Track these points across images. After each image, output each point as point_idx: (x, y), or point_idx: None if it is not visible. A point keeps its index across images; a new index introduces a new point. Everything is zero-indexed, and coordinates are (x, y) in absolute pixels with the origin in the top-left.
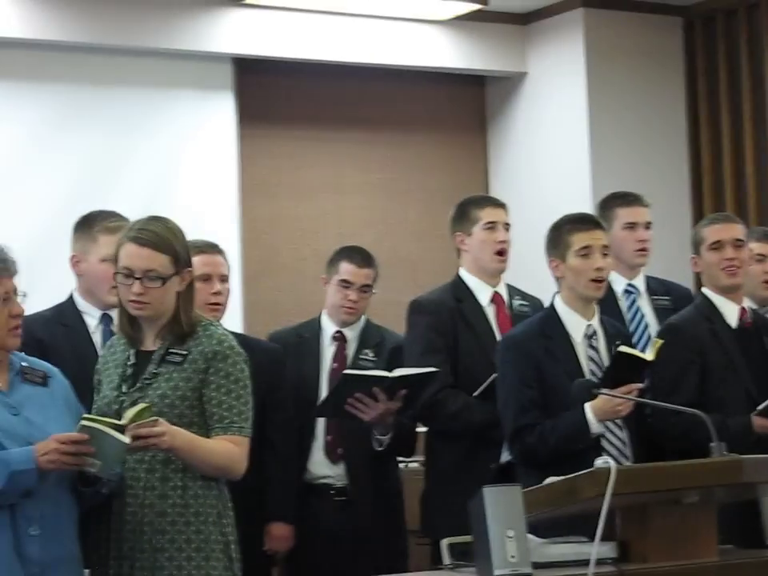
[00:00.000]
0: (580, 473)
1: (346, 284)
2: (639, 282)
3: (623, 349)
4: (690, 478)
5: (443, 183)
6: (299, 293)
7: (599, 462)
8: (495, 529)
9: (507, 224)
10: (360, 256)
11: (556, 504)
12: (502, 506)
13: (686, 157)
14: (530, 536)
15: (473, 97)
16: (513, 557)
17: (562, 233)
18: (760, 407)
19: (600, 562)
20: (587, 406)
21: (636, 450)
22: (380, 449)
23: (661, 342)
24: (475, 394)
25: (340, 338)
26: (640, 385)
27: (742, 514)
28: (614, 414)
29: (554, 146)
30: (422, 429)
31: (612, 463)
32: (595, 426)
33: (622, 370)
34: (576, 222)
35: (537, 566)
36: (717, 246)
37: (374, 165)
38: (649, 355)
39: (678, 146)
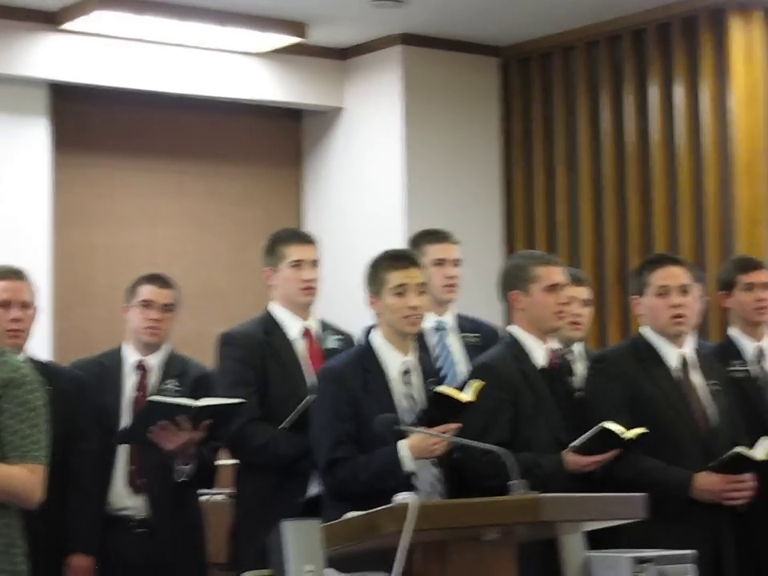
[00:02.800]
0: (379, 508)
1: (146, 303)
2: (448, 319)
3: (440, 389)
4: (489, 515)
5: (257, 216)
6: (112, 322)
7: (399, 497)
8: (294, 563)
9: (315, 261)
10: (160, 278)
11: (356, 539)
12: (301, 540)
13: (499, 196)
14: (330, 571)
15: (289, 130)
16: None
17: (378, 270)
18: (572, 444)
19: None
20: (402, 443)
21: (449, 487)
22: (181, 479)
23: (481, 384)
24: (282, 425)
25: (141, 368)
26: (457, 425)
27: (543, 552)
28: (428, 452)
29: (369, 182)
30: (227, 461)
31: (411, 499)
32: (408, 464)
33: (438, 409)
34: (392, 260)
35: None
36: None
37: (188, 195)
38: (467, 396)
39: (491, 185)
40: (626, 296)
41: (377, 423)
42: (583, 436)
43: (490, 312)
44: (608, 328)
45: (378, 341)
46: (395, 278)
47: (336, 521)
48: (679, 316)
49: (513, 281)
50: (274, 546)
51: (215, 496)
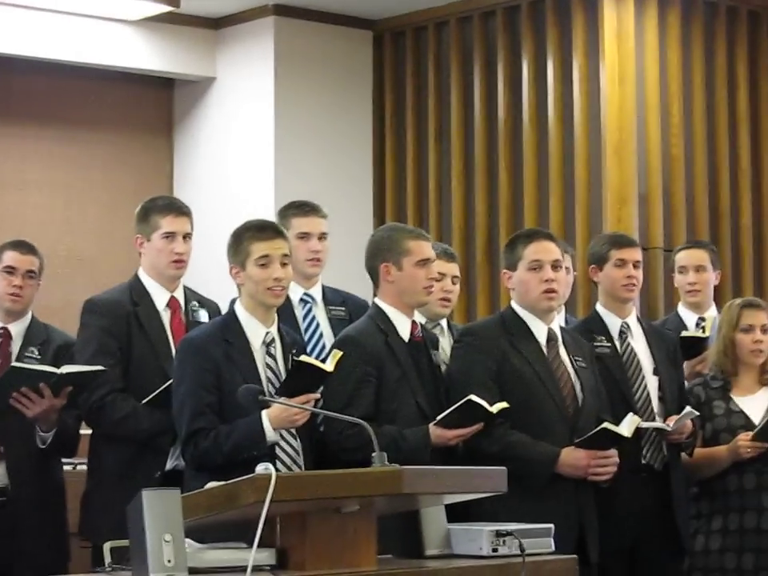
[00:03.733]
0: (239, 479)
1: (9, 270)
2: (316, 292)
3: (302, 358)
4: (349, 487)
5: (127, 184)
6: None
7: (260, 468)
8: (152, 533)
9: (188, 234)
10: (24, 244)
11: (216, 509)
12: (160, 510)
13: (371, 169)
14: (189, 541)
15: (161, 99)
16: (169, 561)
17: (241, 241)
18: (438, 418)
19: (257, 568)
20: (264, 414)
21: (309, 459)
22: (43, 446)
23: (341, 353)
24: (145, 401)
25: (4, 335)
26: (317, 395)
27: (404, 524)
28: (289, 422)
29: (240, 152)
30: (87, 430)
31: (272, 470)
32: (270, 434)
33: (300, 379)
34: (255, 231)
35: (194, 571)
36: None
37: (58, 162)
38: (328, 366)
39: (363, 158)
40: (494, 271)
41: (240, 394)
42: (449, 409)
43: (363, 285)
44: (476, 303)
45: (241, 312)
46: (259, 249)
47: (196, 491)
48: (550, 291)
49: (384, 253)
50: (132, 516)
51: (78, 466)
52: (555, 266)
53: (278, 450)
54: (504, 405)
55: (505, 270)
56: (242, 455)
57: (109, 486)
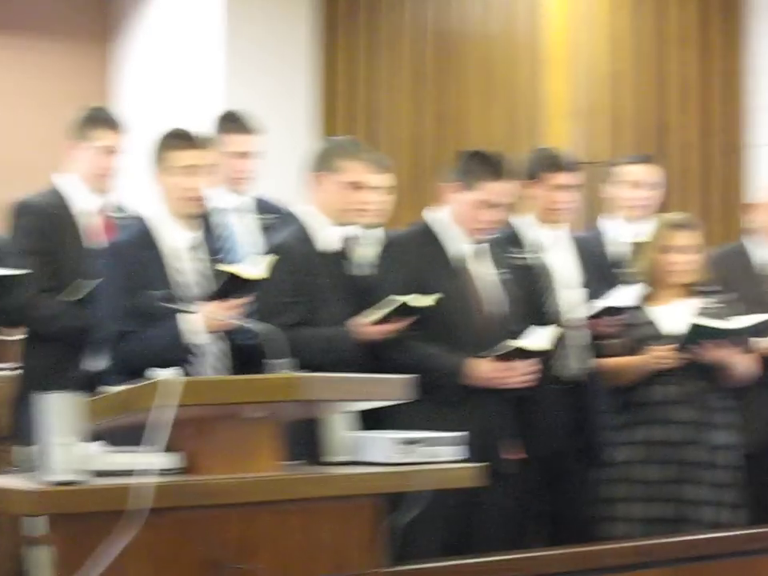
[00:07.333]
0: (143, 383)
1: None
2: (244, 200)
3: (232, 269)
4: (249, 393)
5: (60, 91)
6: None
7: (158, 372)
8: (54, 435)
9: (119, 147)
10: None
11: (120, 412)
12: (62, 413)
13: (321, 79)
14: (94, 444)
15: (97, 3)
16: (70, 464)
17: (166, 148)
18: (369, 319)
19: (161, 472)
20: (185, 317)
21: (234, 363)
22: None
23: (274, 258)
24: (68, 297)
25: None
26: (245, 300)
27: (312, 433)
28: (222, 327)
29: (186, 59)
30: (16, 336)
31: (173, 374)
32: (191, 337)
33: (231, 286)
34: (180, 139)
35: (99, 474)
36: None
37: None
38: (257, 273)
39: (312, 67)
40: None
41: (144, 300)
42: (379, 311)
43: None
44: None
45: (163, 217)
46: (182, 157)
47: (101, 394)
48: (483, 228)
49: (321, 163)
50: (36, 418)
51: (3, 370)
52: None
53: (200, 354)
54: (436, 296)
55: (456, 183)
56: (166, 357)
57: (36, 388)
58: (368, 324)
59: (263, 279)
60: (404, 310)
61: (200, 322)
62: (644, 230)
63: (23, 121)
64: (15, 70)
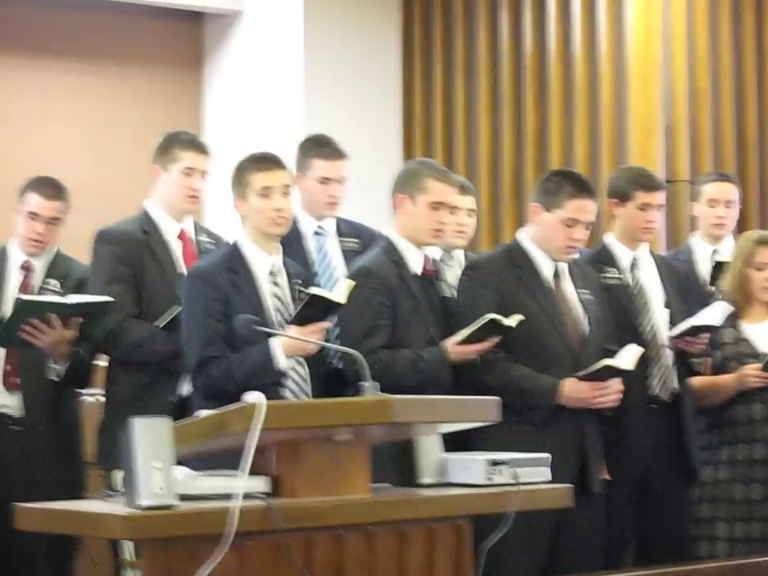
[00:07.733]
0: (230, 407)
1: (32, 216)
2: (329, 224)
3: (312, 290)
4: (340, 416)
5: (155, 118)
6: (3, 220)
7: (248, 397)
8: (142, 460)
9: (205, 172)
10: (49, 188)
11: (207, 437)
12: (150, 437)
13: (399, 103)
14: (184, 468)
15: (190, 33)
16: (161, 488)
17: (243, 172)
18: (459, 338)
19: (249, 496)
20: (274, 341)
21: (318, 388)
22: (57, 379)
23: (353, 283)
24: (156, 323)
25: (27, 267)
26: (328, 324)
27: (400, 454)
28: (301, 350)
29: (269, 87)
30: (105, 362)
31: (263, 398)
32: (280, 362)
33: (311, 310)
34: (257, 162)
35: (185, 498)
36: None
37: (87, 96)
38: (339, 297)
39: (390, 93)
40: (521, 204)
41: (236, 324)
42: (467, 328)
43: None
44: (503, 236)
45: (245, 242)
46: (260, 179)
47: (188, 419)
48: (572, 248)
49: (402, 184)
50: (124, 443)
51: (93, 396)
52: (588, 227)
53: (284, 379)
54: (520, 317)
55: (537, 204)
56: (253, 383)
57: (124, 414)
58: (458, 343)
59: (346, 303)
60: (492, 328)
61: (286, 346)
62: (723, 249)
63: (118, 148)
64: (109, 98)
